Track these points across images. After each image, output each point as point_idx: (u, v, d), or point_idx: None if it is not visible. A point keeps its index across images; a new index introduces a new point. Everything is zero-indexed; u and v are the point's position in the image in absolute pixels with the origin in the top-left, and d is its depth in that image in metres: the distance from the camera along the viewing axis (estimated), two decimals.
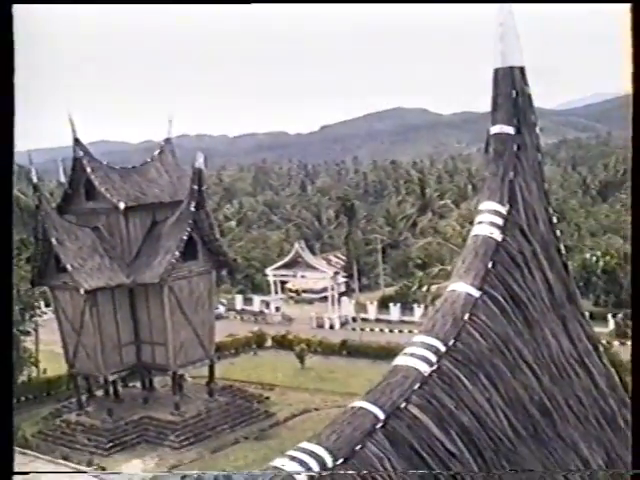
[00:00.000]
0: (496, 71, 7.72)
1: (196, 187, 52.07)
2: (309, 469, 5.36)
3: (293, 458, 5.44)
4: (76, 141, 54.48)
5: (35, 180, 53.18)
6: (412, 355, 6.28)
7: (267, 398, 58.64)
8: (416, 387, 6.03)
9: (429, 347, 6.32)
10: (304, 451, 5.49)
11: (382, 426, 5.74)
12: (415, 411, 5.92)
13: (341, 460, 5.44)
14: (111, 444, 50.41)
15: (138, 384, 57.50)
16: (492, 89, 7.79)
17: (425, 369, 6.16)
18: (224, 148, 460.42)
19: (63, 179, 56.97)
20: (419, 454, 5.77)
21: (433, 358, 6.25)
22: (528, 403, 6.70)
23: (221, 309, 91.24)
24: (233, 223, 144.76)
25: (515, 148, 7.60)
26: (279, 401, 58.18)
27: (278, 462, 5.43)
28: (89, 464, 47.48)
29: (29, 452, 49.86)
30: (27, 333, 66.30)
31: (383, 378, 6.16)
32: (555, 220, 7.81)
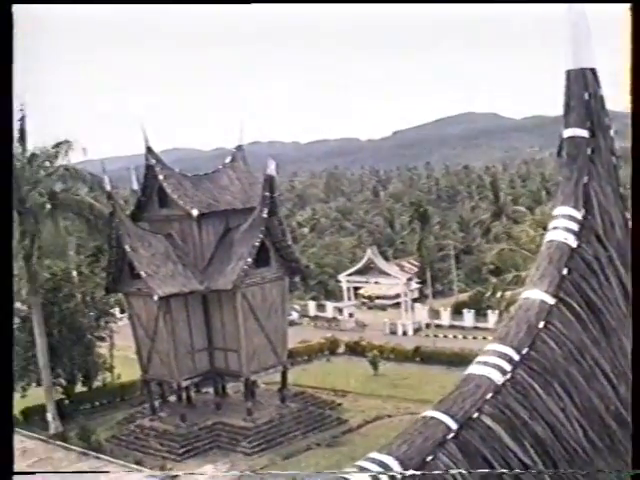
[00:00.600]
0: (568, 73, 7.56)
1: (268, 194, 52.20)
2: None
3: (363, 469, 5.36)
4: (148, 149, 55.08)
5: (108, 188, 53.86)
6: (485, 364, 6.16)
7: (339, 404, 58.55)
8: (489, 396, 5.91)
9: (503, 355, 6.19)
10: (374, 461, 5.41)
11: (454, 436, 5.63)
12: (488, 421, 5.80)
13: (411, 471, 5.35)
14: (184, 449, 50.70)
15: (211, 390, 57.78)
16: (564, 92, 7.62)
17: (498, 378, 6.04)
18: (296, 155, 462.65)
19: (136, 187, 57.57)
20: (491, 465, 5.65)
21: (507, 367, 6.12)
22: (604, 413, 6.54)
23: (294, 315, 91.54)
24: (306, 229, 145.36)
25: (589, 152, 7.42)
26: (351, 407, 58.05)
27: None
28: (162, 469, 47.88)
29: (103, 456, 50.50)
30: (102, 339, 67.22)
31: (455, 387, 6.05)
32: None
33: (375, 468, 5.35)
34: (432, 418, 5.73)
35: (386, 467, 5.34)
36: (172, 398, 56.84)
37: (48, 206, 58.24)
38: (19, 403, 60.36)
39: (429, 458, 5.45)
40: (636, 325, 5.32)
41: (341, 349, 76.34)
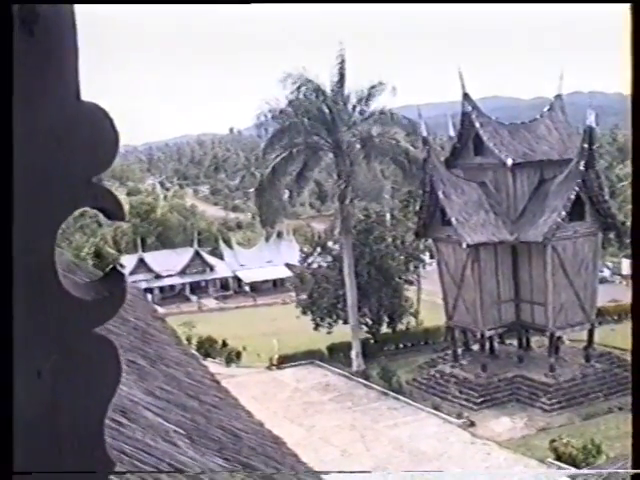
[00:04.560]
0: None
1: (587, 145, 50.51)
2: None
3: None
4: (465, 96, 54.65)
5: (425, 133, 54.08)
6: None
7: None
8: None
9: None
10: None
11: None
12: None
13: None
14: (482, 399, 50.57)
15: (514, 342, 57.19)
16: None
17: None
18: (619, 106, 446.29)
19: (452, 133, 57.40)
20: None
21: None
22: None
23: (606, 273, 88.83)
24: (625, 184, 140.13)
25: None
26: None
27: None
28: (459, 417, 48.06)
29: (402, 398, 51.40)
30: (410, 283, 68.25)
31: None
32: None
33: None
34: None
35: None
36: (475, 347, 56.77)
37: (359, 147, 59.62)
38: (325, 339, 62.72)
39: None
40: (636, 325, 4.58)
41: None
